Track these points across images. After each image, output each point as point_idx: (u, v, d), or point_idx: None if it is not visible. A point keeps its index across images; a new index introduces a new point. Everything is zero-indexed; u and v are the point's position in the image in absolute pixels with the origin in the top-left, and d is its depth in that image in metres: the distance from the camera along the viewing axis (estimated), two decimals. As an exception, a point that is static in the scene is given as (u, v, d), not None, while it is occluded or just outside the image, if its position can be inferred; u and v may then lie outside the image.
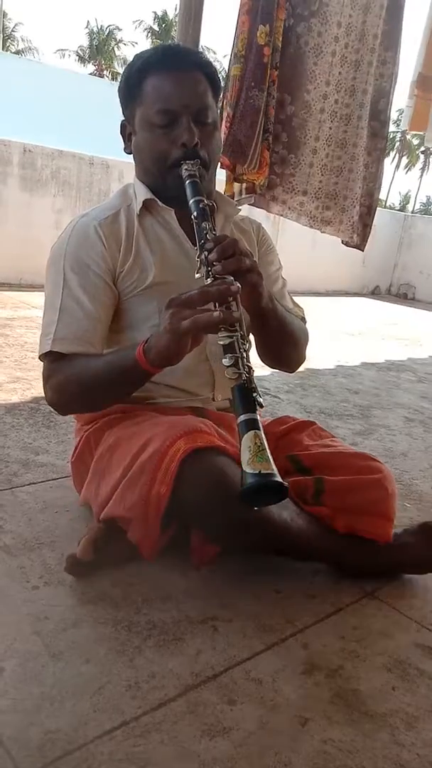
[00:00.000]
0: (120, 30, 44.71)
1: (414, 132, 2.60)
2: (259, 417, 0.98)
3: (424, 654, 1.16)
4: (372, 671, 1.10)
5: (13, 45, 40.92)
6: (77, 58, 43.21)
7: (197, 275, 1.09)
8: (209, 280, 1.05)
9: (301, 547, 1.25)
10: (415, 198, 57.81)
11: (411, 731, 0.97)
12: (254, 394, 0.99)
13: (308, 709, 0.98)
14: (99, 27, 43.62)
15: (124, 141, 1.32)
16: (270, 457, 0.94)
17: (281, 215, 2.15)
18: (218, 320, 1.00)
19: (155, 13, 44.16)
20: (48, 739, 0.87)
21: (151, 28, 43.99)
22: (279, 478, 0.92)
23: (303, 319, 1.48)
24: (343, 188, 2.16)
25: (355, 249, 2.30)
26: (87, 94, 14.49)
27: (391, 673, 1.10)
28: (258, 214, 2.23)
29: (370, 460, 1.34)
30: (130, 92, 1.25)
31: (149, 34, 44.00)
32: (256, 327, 1.27)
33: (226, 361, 1.01)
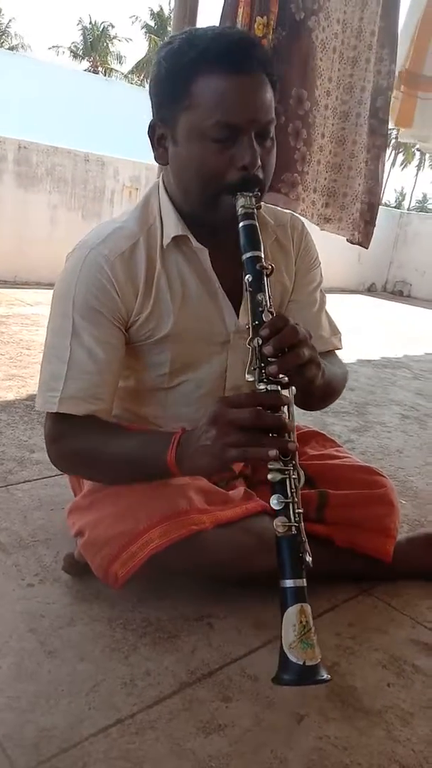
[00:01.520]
0: (113, 27, 44.49)
1: (400, 128, 2.59)
2: (305, 582, 0.87)
3: (420, 650, 1.17)
4: (367, 668, 1.10)
5: (7, 41, 40.77)
6: (71, 54, 43.04)
7: (248, 377, 0.94)
8: (261, 386, 0.93)
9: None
10: (411, 195, 57.91)
11: (406, 727, 0.98)
12: (303, 552, 0.88)
13: (304, 706, 0.98)
14: (93, 23, 43.43)
15: (153, 147, 1.08)
16: (315, 638, 0.84)
17: (303, 215, 2.10)
18: (273, 457, 0.89)
19: (151, 9, 44.06)
20: (43, 737, 0.87)
21: (147, 24, 43.86)
22: (324, 673, 0.84)
23: (337, 346, 1.35)
24: (342, 185, 2.15)
25: (358, 246, 2.30)
26: (82, 90, 14.43)
27: (386, 670, 1.10)
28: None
29: (374, 474, 1.32)
30: (174, 90, 1.00)
31: (145, 31, 43.87)
32: (300, 394, 1.11)
33: (274, 503, 0.88)
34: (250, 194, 1.00)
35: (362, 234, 2.20)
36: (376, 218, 2.22)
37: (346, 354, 4.14)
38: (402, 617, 1.26)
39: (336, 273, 7.84)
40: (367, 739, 0.94)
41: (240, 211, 1.00)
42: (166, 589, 1.21)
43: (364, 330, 5.18)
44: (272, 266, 0.98)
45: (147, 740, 0.89)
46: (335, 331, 1.36)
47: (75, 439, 1.11)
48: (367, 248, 2.29)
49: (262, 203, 1.23)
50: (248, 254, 0.98)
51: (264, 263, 0.97)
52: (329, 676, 0.84)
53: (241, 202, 1.00)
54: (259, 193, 1.03)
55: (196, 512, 1.09)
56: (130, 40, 45.55)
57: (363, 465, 1.36)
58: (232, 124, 0.97)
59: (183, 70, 0.98)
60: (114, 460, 1.11)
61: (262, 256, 0.98)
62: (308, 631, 0.84)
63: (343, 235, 2.21)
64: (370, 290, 8.74)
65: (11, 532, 1.37)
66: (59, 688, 0.96)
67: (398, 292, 8.80)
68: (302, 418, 2.42)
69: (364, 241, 2.22)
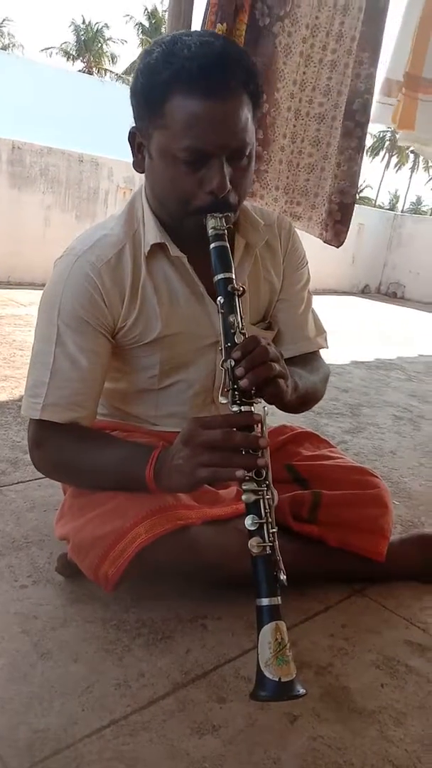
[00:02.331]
0: (108, 27, 44.41)
1: (402, 131, 2.59)
2: (280, 600, 0.88)
3: (413, 651, 1.17)
4: (361, 668, 1.10)
5: (1, 41, 40.73)
6: (64, 55, 42.98)
7: (222, 399, 0.96)
8: (234, 408, 0.93)
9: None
10: (405, 197, 58.14)
11: (399, 727, 0.98)
12: (277, 571, 0.89)
13: (297, 707, 0.98)
14: (86, 23, 43.37)
15: (132, 153, 1.07)
16: (291, 655, 0.86)
17: None
18: (241, 478, 0.90)
19: (146, 7, 44.06)
20: (37, 739, 0.87)
21: (140, 24, 43.86)
22: (300, 688, 0.84)
23: (322, 346, 1.35)
24: (314, 185, 2.19)
25: (332, 246, 2.32)
26: (77, 91, 14.43)
27: (379, 670, 1.10)
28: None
29: (367, 474, 1.32)
30: (149, 106, 0.98)
31: (139, 30, 43.87)
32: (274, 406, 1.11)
33: (248, 524, 0.90)
34: (220, 215, 1.00)
35: (330, 233, 2.23)
36: (350, 219, 2.24)
37: (341, 355, 4.16)
38: (395, 618, 1.26)
39: (330, 275, 7.86)
40: (360, 739, 0.95)
41: (210, 232, 0.99)
42: (159, 591, 1.21)
43: (357, 331, 5.19)
44: (244, 288, 0.98)
45: (141, 741, 0.89)
46: (321, 331, 1.37)
47: (56, 447, 1.13)
48: (337, 247, 2.30)
49: (250, 204, 1.23)
50: (220, 276, 0.98)
51: (235, 285, 0.97)
52: (305, 691, 0.85)
53: (212, 223, 1.00)
54: (231, 214, 1.03)
55: (184, 508, 1.10)
56: (125, 41, 45.60)
57: (356, 466, 1.36)
58: (202, 150, 0.96)
59: (157, 88, 0.96)
60: (94, 471, 1.12)
61: (233, 277, 0.98)
62: (283, 648, 0.85)
63: (310, 232, 2.25)
64: (364, 292, 8.76)
65: (4, 534, 1.37)
66: (52, 689, 0.96)
67: (392, 294, 8.82)
68: (296, 419, 2.42)
69: (333, 240, 2.25)
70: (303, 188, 2.17)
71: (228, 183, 0.98)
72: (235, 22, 1.83)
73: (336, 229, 2.21)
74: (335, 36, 2.01)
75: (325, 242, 2.27)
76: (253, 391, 0.94)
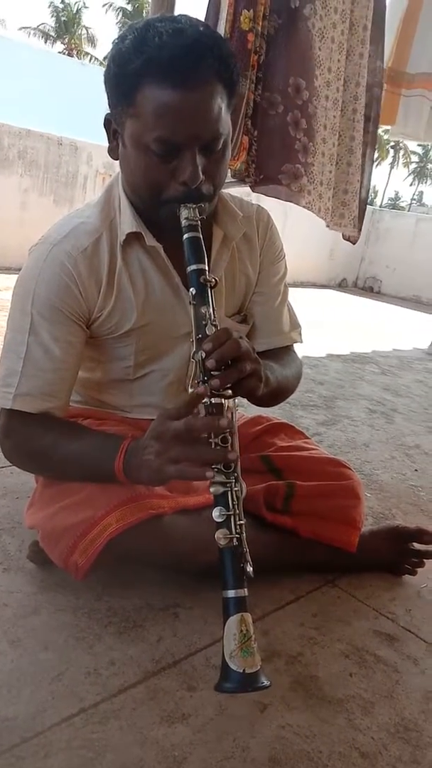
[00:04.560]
0: (87, 8, 43.37)
1: (384, 126, 2.60)
2: (246, 592, 0.89)
3: (382, 641, 1.19)
4: (330, 658, 1.12)
5: (-21, 19, 39.76)
6: (42, 35, 42.08)
7: (191, 390, 0.96)
8: (205, 400, 0.92)
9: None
10: (384, 193, 58.52)
11: (367, 716, 0.99)
12: (244, 563, 0.89)
13: (267, 696, 0.99)
14: (65, 3, 42.42)
15: (108, 139, 1.06)
16: (255, 646, 0.86)
17: (308, 208, 2.04)
18: (210, 478, 0.90)
19: (127, -7, 43.36)
20: (5, 727, 0.86)
21: (122, 8, 43.15)
22: (264, 680, 0.85)
23: (296, 340, 1.36)
24: (342, 181, 2.13)
25: (347, 242, 2.30)
26: (56, 72, 14.19)
27: (348, 660, 1.12)
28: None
29: (341, 466, 1.33)
30: (121, 94, 0.97)
31: (120, 14, 43.17)
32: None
33: (216, 516, 0.89)
34: (194, 206, 0.99)
35: (358, 230, 2.21)
36: (364, 214, 2.23)
37: (317, 348, 4.17)
38: (365, 608, 1.28)
39: (308, 268, 7.88)
40: (328, 727, 0.96)
41: (184, 223, 0.98)
42: (131, 579, 1.21)
43: (334, 325, 5.22)
44: (216, 279, 0.98)
45: (110, 729, 0.89)
46: (295, 325, 1.37)
47: (27, 438, 1.12)
48: (355, 244, 2.29)
49: (229, 193, 1.22)
50: (192, 267, 0.97)
51: (207, 276, 0.96)
52: (269, 683, 0.86)
53: (185, 213, 0.98)
54: (206, 204, 1.02)
55: (156, 497, 1.10)
56: (103, 30, 44.47)
57: (330, 457, 1.37)
58: (173, 141, 0.95)
59: (128, 77, 0.94)
60: (65, 461, 1.11)
61: (206, 268, 0.97)
62: (248, 640, 0.86)
63: (345, 231, 2.19)
64: (341, 286, 8.80)
65: (-25, 520, 1.35)
66: (22, 677, 0.95)
67: (368, 288, 8.88)
68: (271, 411, 2.43)
69: (356, 238, 2.23)
70: (335, 184, 2.10)
71: (201, 174, 0.97)
72: (257, 6, 1.77)
73: (359, 225, 2.20)
74: (350, 24, 1.98)
75: (352, 240, 2.24)
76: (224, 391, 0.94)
